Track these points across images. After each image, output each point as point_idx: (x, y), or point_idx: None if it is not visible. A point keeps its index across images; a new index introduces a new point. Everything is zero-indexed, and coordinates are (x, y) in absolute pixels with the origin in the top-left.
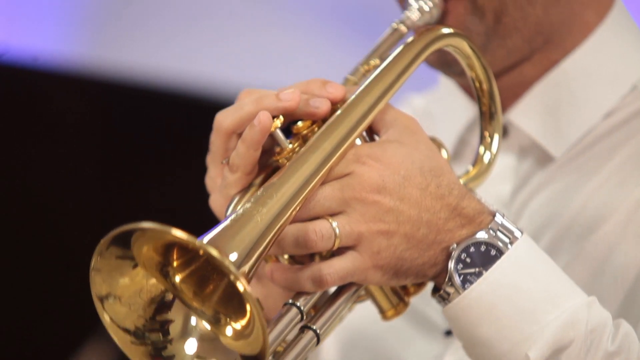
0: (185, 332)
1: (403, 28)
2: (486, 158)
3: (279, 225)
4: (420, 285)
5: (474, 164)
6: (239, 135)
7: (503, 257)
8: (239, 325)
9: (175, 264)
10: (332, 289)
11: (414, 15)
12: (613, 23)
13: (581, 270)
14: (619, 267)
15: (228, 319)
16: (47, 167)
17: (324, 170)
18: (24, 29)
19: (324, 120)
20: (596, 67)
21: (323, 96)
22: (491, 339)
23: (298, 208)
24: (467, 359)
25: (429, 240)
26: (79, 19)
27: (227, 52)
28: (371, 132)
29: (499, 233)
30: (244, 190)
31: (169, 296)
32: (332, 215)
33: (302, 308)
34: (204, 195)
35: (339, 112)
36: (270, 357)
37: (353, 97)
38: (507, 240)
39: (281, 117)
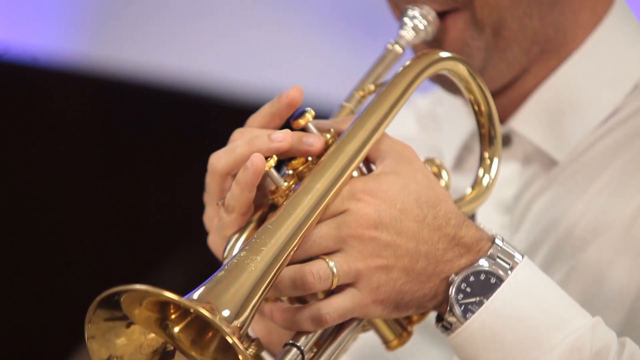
0: None
1: (398, 48)
2: (485, 181)
3: (273, 273)
4: (423, 314)
5: (473, 186)
6: (234, 176)
7: (503, 285)
8: None
9: (172, 316)
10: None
11: (408, 34)
12: (613, 22)
13: (582, 278)
14: (619, 279)
15: None
16: (47, 165)
17: (318, 212)
18: (24, 28)
19: (319, 155)
20: (596, 68)
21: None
22: None
23: (293, 252)
24: None
25: (428, 272)
26: (79, 17)
27: (227, 51)
28: (367, 162)
29: (498, 259)
30: (241, 229)
31: (170, 346)
32: (329, 253)
33: (302, 348)
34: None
35: (333, 147)
36: None
37: (347, 130)
38: (507, 266)
39: (275, 157)
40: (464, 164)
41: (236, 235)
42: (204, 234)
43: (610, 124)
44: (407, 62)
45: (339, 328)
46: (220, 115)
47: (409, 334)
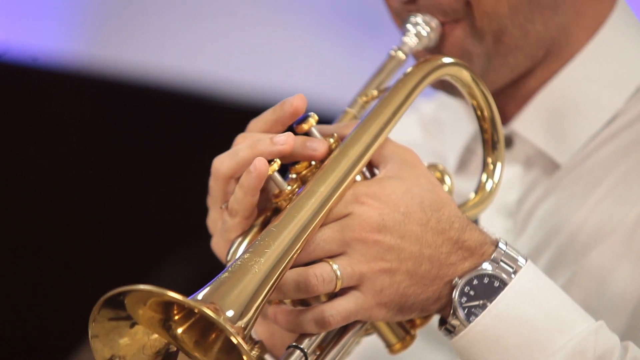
0: None
1: (401, 55)
2: (488, 186)
3: (277, 275)
4: (426, 318)
5: (476, 191)
6: (237, 179)
7: (506, 288)
8: None
9: (176, 317)
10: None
11: (411, 41)
12: (615, 24)
13: (585, 282)
14: (622, 284)
15: None
16: (47, 165)
17: (321, 215)
18: (24, 29)
19: (322, 159)
20: (597, 71)
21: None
22: None
23: (297, 254)
24: None
25: (431, 276)
26: (78, 17)
27: (227, 51)
28: (370, 167)
29: (502, 263)
30: (245, 233)
31: (173, 347)
32: (333, 257)
33: (305, 350)
34: (205, 193)
35: (336, 152)
36: None
37: (350, 135)
38: (510, 269)
39: (278, 161)
40: (467, 166)
41: (240, 239)
42: (203, 234)
43: (613, 129)
44: (410, 68)
45: (342, 331)
46: (220, 115)
47: (412, 337)
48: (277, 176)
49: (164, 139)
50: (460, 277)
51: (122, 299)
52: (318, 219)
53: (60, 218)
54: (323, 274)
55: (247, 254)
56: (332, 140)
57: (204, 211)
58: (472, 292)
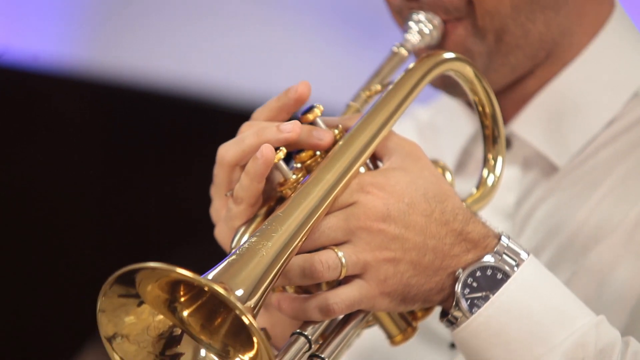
0: None
1: (404, 51)
2: (490, 181)
3: (284, 259)
4: (428, 310)
5: (477, 187)
6: (242, 167)
7: (509, 280)
8: (247, 357)
9: (182, 299)
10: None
11: (414, 38)
12: (613, 29)
13: (585, 283)
14: (621, 284)
15: (236, 351)
16: (46, 167)
17: (327, 202)
18: (24, 29)
19: (326, 149)
20: (596, 74)
21: (312, 143)
22: None
23: (303, 240)
24: None
25: (435, 266)
26: (78, 19)
27: (226, 53)
28: (374, 159)
29: (505, 256)
30: (249, 221)
31: (177, 330)
32: (338, 245)
33: (309, 337)
34: (205, 195)
35: (341, 142)
36: None
37: (355, 126)
38: (513, 262)
39: (284, 149)
40: (465, 168)
41: (244, 227)
42: (202, 235)
43: (611, 132)
44: (414, 63)
45: (345, 320)
46: (220, 116)
47: (414, 329)
48: (283, 164)
49: (164, 139)
50: (463, 269)
51: (134, 277)
52: (324, 206)
53: (60, 219)
54: (328, 261)
55: (255, 238)
56: (336, 132)
57: (203, 212)
58: (474, 284)
